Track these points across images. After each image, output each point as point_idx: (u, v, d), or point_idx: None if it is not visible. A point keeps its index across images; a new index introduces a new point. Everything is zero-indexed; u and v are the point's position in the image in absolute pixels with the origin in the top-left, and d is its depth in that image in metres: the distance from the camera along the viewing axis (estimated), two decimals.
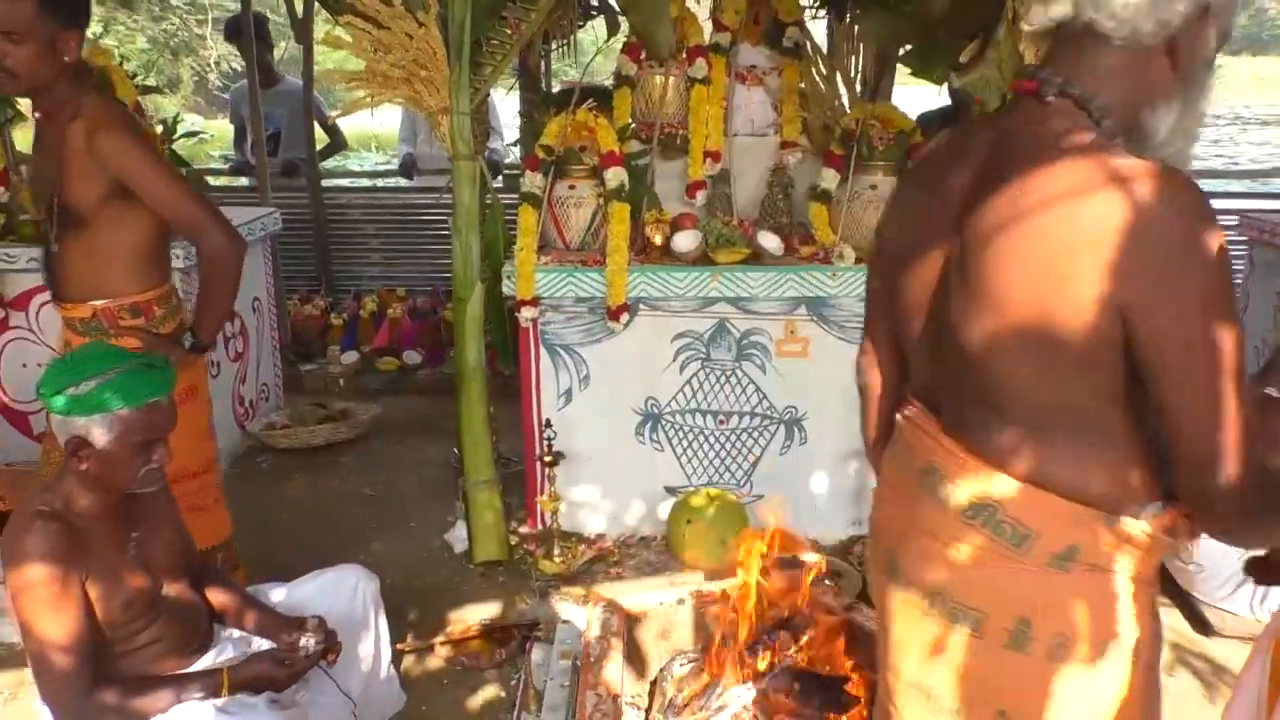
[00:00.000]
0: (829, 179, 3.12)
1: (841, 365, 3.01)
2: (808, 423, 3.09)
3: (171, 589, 1.85)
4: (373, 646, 2.17)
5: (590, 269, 2.96)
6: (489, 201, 3.02)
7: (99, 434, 1.67)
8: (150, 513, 1.87)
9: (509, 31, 2.78)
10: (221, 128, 11.32)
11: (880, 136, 3.03)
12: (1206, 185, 5.68)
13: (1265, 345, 3.85)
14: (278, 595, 2.12)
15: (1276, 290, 3.79)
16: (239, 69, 14.72)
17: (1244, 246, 4.21)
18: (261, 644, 1.97)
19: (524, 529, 3.21)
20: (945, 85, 3.55)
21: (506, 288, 2.98)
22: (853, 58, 3.70)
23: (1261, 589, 2.59)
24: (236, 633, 2.01)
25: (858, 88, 3.54)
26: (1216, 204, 5.27)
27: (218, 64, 16.13)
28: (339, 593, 2.13)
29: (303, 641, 1.90)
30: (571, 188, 3.06)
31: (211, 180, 5.78)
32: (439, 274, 5.50)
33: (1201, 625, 2.69)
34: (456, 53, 2.68)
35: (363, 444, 4.03)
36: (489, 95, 3.15)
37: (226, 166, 6.25)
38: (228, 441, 3.84)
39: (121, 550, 1.76)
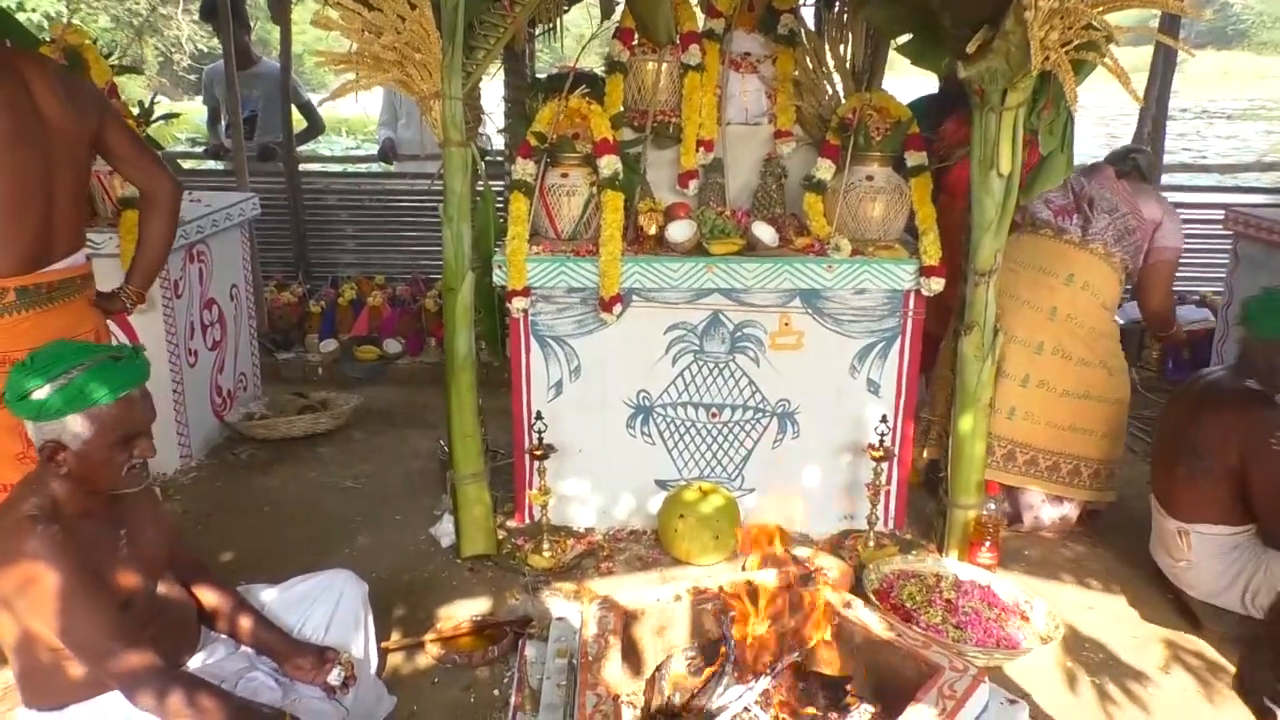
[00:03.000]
0: (825, 169, 3.08)
1: (835, 358, 3.01)
2: (800, 416, 3.06)
3: (162, 587, 1.79)
4: (362, 651, 2.11)
5: (583, 259, 2.90)
6: (479, 189, 2.95)
7: (73, 435, 1.60)
8: (135, 510, 1.80)
9: (502, 14, 2.71)
10: (188, 109, 11.08)
11: (878, 127, 2.99)
12: (1178, 180, 5.77)
13: None
14: (267, 596, 2.06)
15: (1262, 285, 3.80)
16: (208, 50, 14.44)
17: (1229, 240, 4.24)
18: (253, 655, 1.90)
19: (512, 523, 3.15)
20: (939, 75, 3.54)
21: (497, 277, 2.92)
22: (844, 46, 3.68)
23: (1254, 586, 2.59)
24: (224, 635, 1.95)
25: (852, 76, 3.50)
26: (1196, 198, 5.36)
27: (185, 44, 15.79)
28: (329, 597, 2.08)
29: (333, 677, 1.86)
30: (564, 176, 3.00)
31: (184, 164, 5.64)
32: (419, 261, 5.42)
33: (1193, 622, 2.70)
34: (449, 35, 2.60)
35: (343, 435, 3.95)
36: (480, 80, 3.08)
37: (198, 150, 6.11)
38: (205, 432, 3.75)
39: (113, 550, 1.70)
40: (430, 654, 2.51)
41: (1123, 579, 2.93)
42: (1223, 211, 4.28)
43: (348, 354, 4.61)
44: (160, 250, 2.55)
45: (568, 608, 2.62)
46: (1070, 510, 3.16)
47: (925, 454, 3.35)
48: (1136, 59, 4.94)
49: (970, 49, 2.46)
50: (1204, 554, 2.66)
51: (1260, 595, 2.58)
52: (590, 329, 2.99)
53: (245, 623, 1.92)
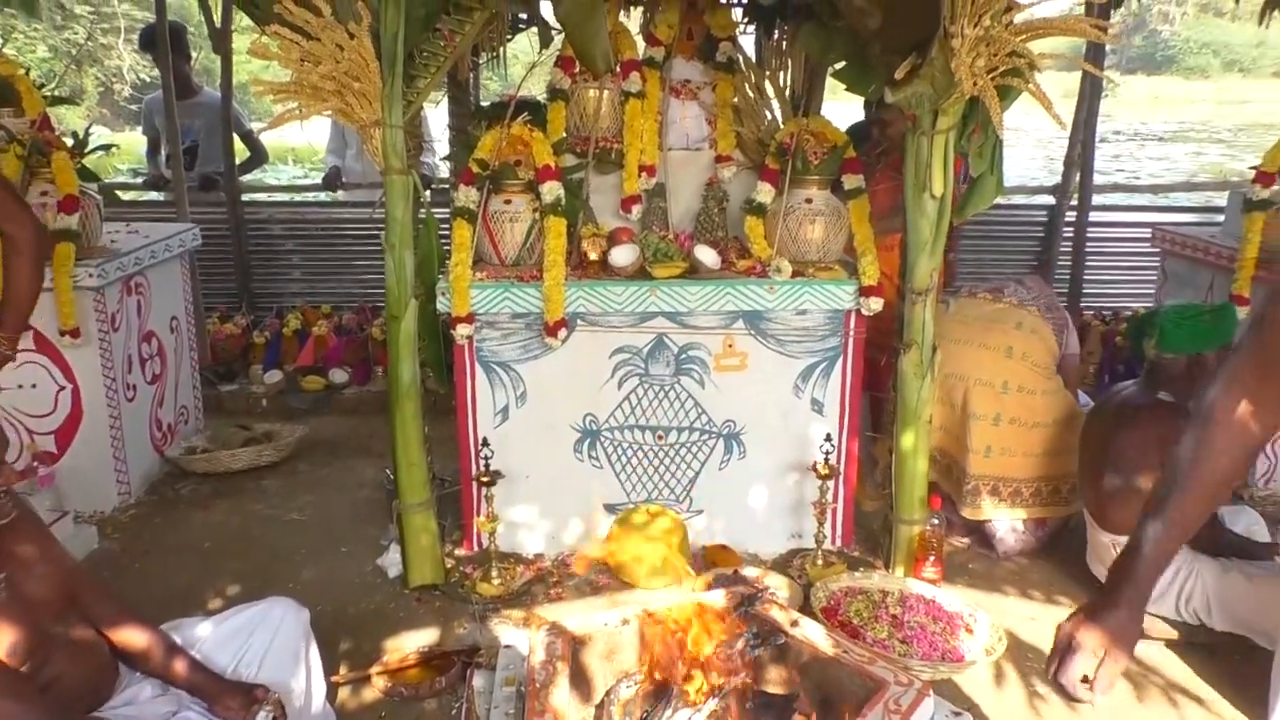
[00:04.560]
0: (764, 193, 3.13)
1: (779, 378, 3.05)
2: (746, 436, 3.09)
3: (59, 627, 1.71)
4: (304, 683, 2.07)
5: (527, 284, 2.91)
6: (423, 216, 2.95)
7: None
8: (16, 547, 1.71)
9: (443, 43, 2.72)
10: (130, 140, 10.92)
11: (815, 151, 3.05)
12: (1113, 199, 5.96)
13: None
14: (203, 631, 2.01)
15: (1187, 299, 3.93)
16: (149, 79, 14.26)
17: (1157, 258, 4.37)
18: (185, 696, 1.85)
19: (460, 551, 3.13)
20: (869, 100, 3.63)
21: (441, 305, 2.91)
22: (783, 73, 3.76)
23: (1188, 590, 2.66)
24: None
25: (790, 102, 3.58)
26: (1127, 217, 5.53)
27: (125, 74, 15.59)
28: (267, 627, 2.03)
29: (260, 719, 1.81)
30: (507, 202, 3.01)
31: (123, 195, 5.55)
32: (365, 290, 5.38)
33: None
34: (389, 65, 2.61)
35: (288, 467, 3.89)
36: (422, 108, 3.09)
37: (138, 180, 6.02)
38: (144, 468, 3.68)
39: None
40: (377, 687, 2.48)
41: (1062, 589, 2.99)
42: (1150, 230, 4.42)
43: (293, 385, 4.56)
44: (26, 295, 2.51)
45: (517, 635, 2.59)
46: (1036, 529, 3.22)
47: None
48: (1071, 83, 5.09)
49: (899, 75, 2.52)
50: None
51: (1194, 600, 2.65)
52: (535, 354, 2.99)
53: (171, 662, 1.85)
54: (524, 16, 3.68)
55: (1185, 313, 2.86)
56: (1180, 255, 4.08)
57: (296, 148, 12.87)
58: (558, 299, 2.88)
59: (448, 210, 3.16)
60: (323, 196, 5.86)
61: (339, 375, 4.59)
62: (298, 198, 6.08)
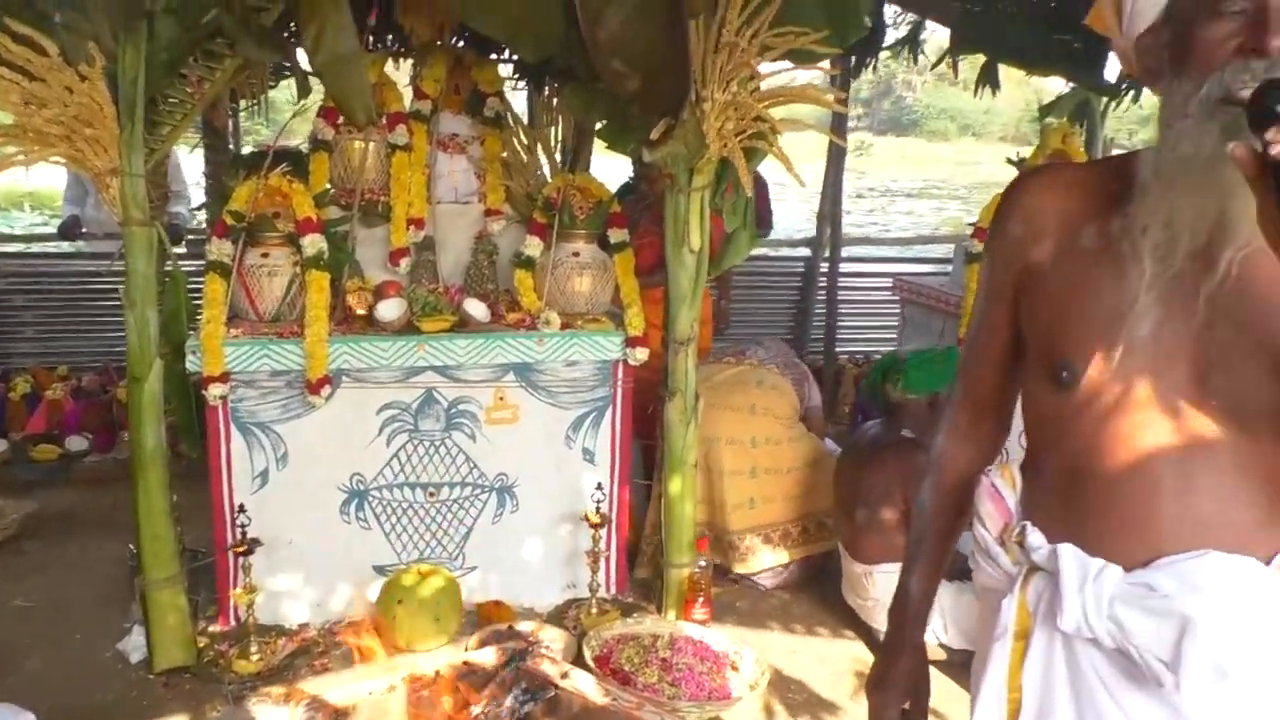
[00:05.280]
0: (533, 246, 3.17)
1: (551, 430, 3.07)
2: (519, 489, 3.08)
3: None
4: None
5: (287, 341, 2.79)
6: (169, 269, 2.78)
7: None
8: None
9: (190, 90, 2.59)
10: None
11: (581, 206, 3.13)
12: (862, 251, 6.48)
13: None
14: None
15: (925, 344, 4.31)
16: None
17: (898, 305, 4.78)
18: None
19: (215, 628, 2.91)
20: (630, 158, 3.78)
21: (191, 364, 2.74)
22: (553, 128, 3.84)
23: (940, 619, 2.87)
24: None
25: (559, 157, 3.66)
26: (873, 268, 6.02)
27: None
28: None
29: None
30: (265, 256, 2.88)
31: None
32: (109, 350, 4.95)
33: None
34: (128, 110, 2.45)
35: (13, 547, 3.49)
36: (169, 156, 2.92)
37: None
38: None
39: None
40: None
41: (821, 621, 3.16)
42: (891, 280, 4.84)
43: (21, 454, 4.11)
44: None
45: (275, 714, 2.44)
46: (798, 566, 3.39)
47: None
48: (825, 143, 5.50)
49: (654, 135, 2.64)
50: (888, 592, 2.91)
51: (932, 621, 2.87)
52: (297, 413, 2.86)
53: None
54: (285, 64, 3.59)
55: (924, 356, 3.15)
56: (917, 303, 4.48)
57: (36, 191, 11.78)
58: (320, 355, 2.77)
59: (202, 263, 2.98)
60: (62, 247, 5.38)
61: (77, 443, 4.19)
62: (32, 248, 5.55)
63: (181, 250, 4.66)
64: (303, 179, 2.99)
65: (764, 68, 2.78)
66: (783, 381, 3.57)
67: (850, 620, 3.10)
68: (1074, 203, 1.17)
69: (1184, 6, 1.04)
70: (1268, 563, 1.08)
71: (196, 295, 2.89)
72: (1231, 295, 1.03)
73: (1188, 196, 1.00)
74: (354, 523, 2.97)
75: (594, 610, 3.00)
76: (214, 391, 2.74)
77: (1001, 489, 1.27)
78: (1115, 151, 1.13)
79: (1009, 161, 3.72)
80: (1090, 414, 1.12)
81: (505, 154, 3.34)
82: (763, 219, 4.15)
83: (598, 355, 3.03)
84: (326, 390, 2.82)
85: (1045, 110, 5.27)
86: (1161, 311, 1.06)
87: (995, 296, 1.25)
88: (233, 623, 2.90)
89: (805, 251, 5.80)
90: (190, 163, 5.11)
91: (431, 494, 3.02)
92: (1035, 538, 1.19)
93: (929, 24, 5.04)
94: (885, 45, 5.04)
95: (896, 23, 5.24)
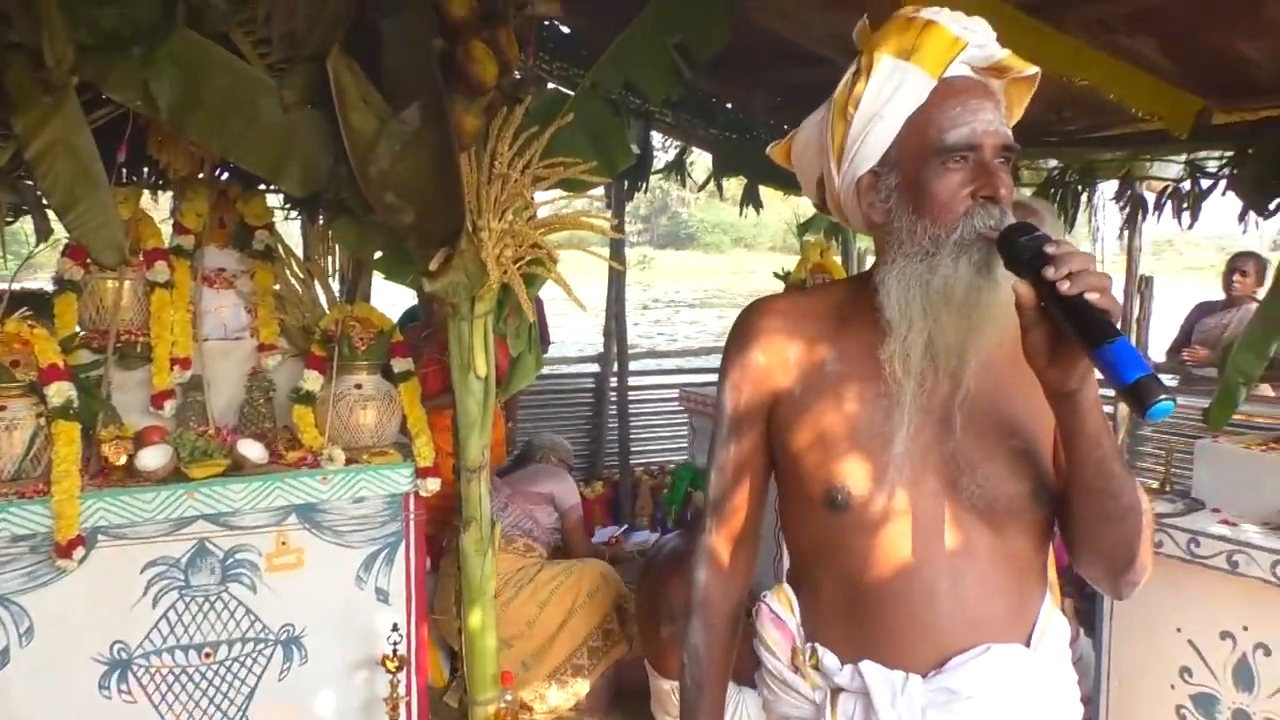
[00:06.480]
0: (312, 380, 3.06)
1: (340, 572, 2.91)
2: (307, 639, 2.88)
3: None
4: None
5: (30, 501, 2.52)
6: None
7: None
8: None
9: None
10: None
11: (361, 337, 3.07)
12: (651, 364, 6.71)
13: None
14: None
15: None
16: None
17: (685, 415, 4.94)
18: None
19: None
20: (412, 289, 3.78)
21: None
22: (330, 258, 3.77)
23: (741, 709, 2.90)
24: None
25: (336, 288, 3.58)
26: (661, 380, 6.23)
27: None
28: None
29: None
30: (1, 408, 2.62)
31: None
32: None
33: None
34: None
35: None
36: None
37: None
38: None
39: None
40: None
41: None
42: (678, 391, 5.02)
43: None
44: None
45: None
46: (602, 689, 3.34)
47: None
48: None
49: (433, 266, 2.65)
50: None
51: None
52: (45, 580, 2.57)
53: None
54: (22, 204, 3.34)
55: None
56: (702, 412, 4.65)
57: None
58: (71, 514, 2.52)
59: None
60: None
61: None
62: None
63: None
64: (47, 322, 2.77)
65: (540, 195, 2.88)
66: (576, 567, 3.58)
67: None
68: (810, 330, 1.25)
69: (906, 157, 1.14)
70: (1027, 644, 1.17)
71: None
72: (973, 406, 1.14)
73: (948, 322, 1.10)
74: (116, 698, 2.66)
75: None
76: None
77: (780, 613, 1.28)
78: (870, 262, 1.26)
79: (776, 275, 4.00)
80: (865, 531, 1.17)
81: (278, 286, 3.24)
82: (542, 335, 4.25)
83: (387, 489, 2.93)
84: (79, 552, 2.55)
85: (803, 228, 5.71)
86: (918, 426, 1.15)
87: (744, 426, 1.27)
88: None
89: (595, 367, 5.92)
90: None
91: (208, 655, 2.76)
92: (830, 659, 1.20)
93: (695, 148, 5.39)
94: (655, 170, 5.33)
95: (665, 147, 5.58)
